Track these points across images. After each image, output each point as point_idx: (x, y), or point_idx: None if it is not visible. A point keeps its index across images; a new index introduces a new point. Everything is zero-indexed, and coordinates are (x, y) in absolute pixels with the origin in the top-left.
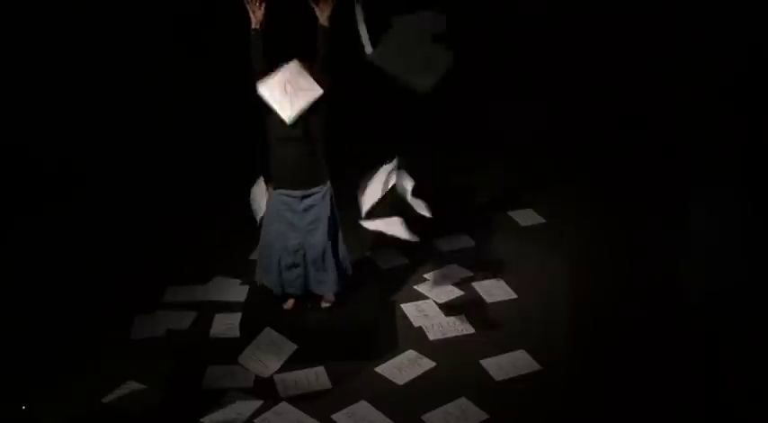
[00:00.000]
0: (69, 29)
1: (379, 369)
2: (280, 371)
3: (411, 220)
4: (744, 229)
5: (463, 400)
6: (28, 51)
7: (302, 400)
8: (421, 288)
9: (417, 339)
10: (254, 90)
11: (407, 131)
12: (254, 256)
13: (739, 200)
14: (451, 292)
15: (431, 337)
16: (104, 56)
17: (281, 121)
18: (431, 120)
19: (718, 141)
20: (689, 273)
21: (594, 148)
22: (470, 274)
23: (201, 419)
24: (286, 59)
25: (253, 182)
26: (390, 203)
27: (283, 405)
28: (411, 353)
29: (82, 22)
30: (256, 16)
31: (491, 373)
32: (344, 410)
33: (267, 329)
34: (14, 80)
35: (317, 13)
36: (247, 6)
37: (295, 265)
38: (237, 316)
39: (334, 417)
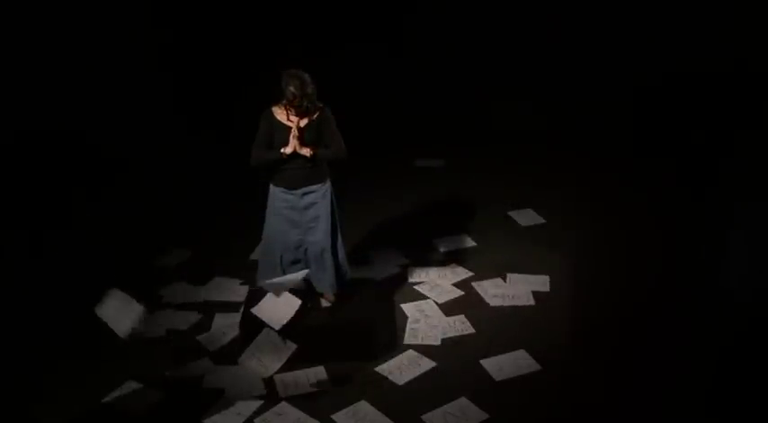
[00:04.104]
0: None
1: (379, 369)
2: (280, 371)
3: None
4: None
5: (463, 400)
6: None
7: (302, 400)
8: (421, 288)
9: (417, 339)
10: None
11: (408, 131)
12: (254, 256)
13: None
14: (451, 292)
15: (431, 337)
16: (109, 53)
17: (286, 127)
18: (433, 121)
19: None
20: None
21: (594, 148)
22: (470, 274)
23: (202, 419)
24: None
25: (254, 182)
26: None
27: (283, 405)
28: (411, 353)
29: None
30: (291, 145)
31: (491, 373)
32: (344, 410)
33: (267, 329)
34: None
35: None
36: (293, 139)
37: (297, 261)
38: (237, 316)
39: (334, 417)
